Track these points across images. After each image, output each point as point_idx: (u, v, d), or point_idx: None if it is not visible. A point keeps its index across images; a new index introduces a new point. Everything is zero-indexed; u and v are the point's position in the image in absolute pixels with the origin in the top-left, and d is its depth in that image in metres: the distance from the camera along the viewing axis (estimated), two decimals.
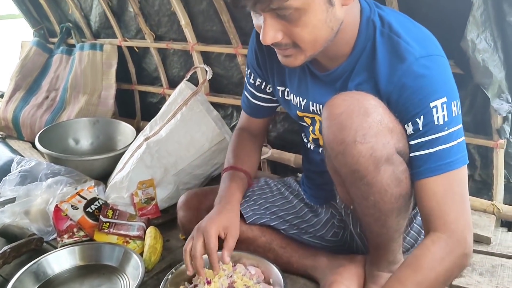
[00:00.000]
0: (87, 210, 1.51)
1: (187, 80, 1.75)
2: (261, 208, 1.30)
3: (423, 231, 1.15)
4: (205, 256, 1.21)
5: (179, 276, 1.17)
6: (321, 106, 1.11)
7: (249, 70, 1.29)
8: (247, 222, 1.26)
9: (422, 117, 0.91)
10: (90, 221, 1.49)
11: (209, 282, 1.11)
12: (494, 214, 1.48)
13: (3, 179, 1.64)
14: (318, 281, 1.22)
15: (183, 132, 1.63)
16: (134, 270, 1.25)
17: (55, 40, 2.61)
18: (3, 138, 2.19)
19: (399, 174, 0.94)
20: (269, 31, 0.89)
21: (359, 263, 1.18)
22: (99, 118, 2.27)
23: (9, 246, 1.34)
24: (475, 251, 1.36)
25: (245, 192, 1.31)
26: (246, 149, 1.32)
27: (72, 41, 2.54)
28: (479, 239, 1.40)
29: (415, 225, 1.17)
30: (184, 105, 1.66)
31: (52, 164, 1.77)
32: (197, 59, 2.03)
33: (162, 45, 2.15)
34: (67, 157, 1.89)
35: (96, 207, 1.54)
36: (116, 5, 2.25)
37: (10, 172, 1.71)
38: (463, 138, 0.94)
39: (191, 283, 1.17)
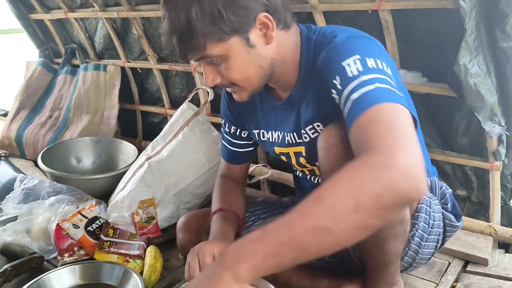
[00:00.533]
0: (88, 229, 1.52)
1: (189, 101, 1.78)
2: (253, 224, 1.32)
3: (420, 250, 1.16)
4: None
5: None
6: (293, 134, 1.16)
7: (223, 120, 1.36)
8: None
9: (338, 77, 0.91)
10: (91, 240, 1.50)
11: None
12: (491, 236, 1.49)
13: (7, 196, 1.65)
14: None
15: (184, 152, 1.66)
16: None
17: (59, 60, 2.65)
18: (6, 157, 2.21)
19: None
20: (208, 75, 1.02)
21: (357, 284, 1.18)
22: (102, 137, 2.29)
23: (10, 264, 1.35)
24: (472, 273, 1.37)
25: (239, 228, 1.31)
26: (232, 193, 1.34)
27: (76, 61, 2.58)
28: (477, 261, 1.41)
29: (412, 245, 1.18)
30: (185, 125, 1.69)
31: (55, 182, 1.79)
32: (199, 80, 2.07)
33: (165, 66, 2.19)
34: (69, 175, 1.91)
35: (97, 226, 1.55)
36: (120, 27, 2.30)
37: (13, 190, 1.72)
38: (388, 86, 0.85)
39: None
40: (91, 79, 2.39)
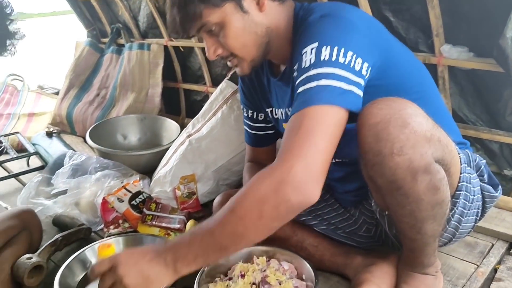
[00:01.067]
0: (132, 203, 1.60)
1: (228, 79, 1.80)
2: None
3: (460, 226, 1.13)
4: (244, 249, 1.26)
5: (215, 269, 1.21)
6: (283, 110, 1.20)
7: (242, 106, 1.41)
8: None
9: (297, 64, 0.95)
10: (134, 213, 1.57)
11: (243, 276, 1.15)
12: None
13: (57, 171, 1.75)
14: (350, 279, 1.22)
15: (223, 130, 1.68)
16: None
17: (106, 40, 2.73)
18: (58, 133, 2.32)
19: (436, 183, 0.93)
20: (209, 47, 1.06)
21: (392, 261, 1.18)
22: (146, 115, 2.36)
23: (60, 234, 1.43)
24: None
25: None
26: None
27: (121, 41, 2.65)
28: None
29: (452, 222, 1.13)
30: (224, 103, 1.71)
31: (101, 158, 1.87)
32: None
33: None
34: (115, 152, 1.98)
35: (140, 200, 1.62)
36: (162, 6, 2.32)
37: (63, 165, 1.82)
38: (332, 82, 0.88)
39: (226, 275, 1.21)
40: (136, 58, 2.45)
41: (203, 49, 2.24)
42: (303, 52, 0.93)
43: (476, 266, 1.28)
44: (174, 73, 2.51)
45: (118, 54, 2.59)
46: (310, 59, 0.91)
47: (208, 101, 1.81)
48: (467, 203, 1.08)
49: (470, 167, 1.12)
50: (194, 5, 0.99)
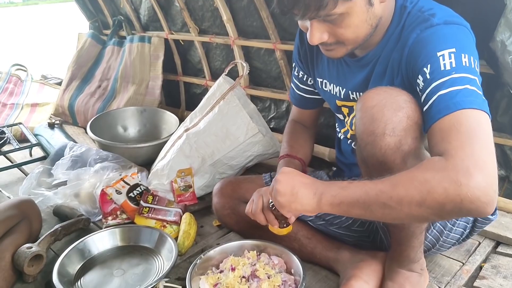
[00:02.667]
0: (129, 195, 1.64)
1: (226, 75, 1.82)
2: None
3: (445, 231, 1.17)
4: (233, 243, 1.30)
5: (207, 262, 1.26)
6: (359, 94, 1.17)
7: (294, 63, 1.38)
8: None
9: (429, 65, 0.92)
10: (132, 205, 1.62)
11: (233, 269, 1.20)
12: None
13: (56, 162, 1.79)
14: (339, 274, 1.26)
15: (220, 125, 1.71)
16: (169, 253, 1.35)
17: (108, 32, 2.77)
18: (60, 124, 2.35)
19: None
20: (316, 33, 0.99)
21: (380, 259, 1.21)
22: (146, 107, 2.40)
23: (60, 224, 1.48)
24: (502, 254, 1.36)
25: None
26: (299, 139, 1.40)
27: (123, 33, 2.68)
28: (509, 242, 1.39)
29: (437, 224, 1.19)
30: (221, 99, 1.74)
31: (101, 150, 1.91)
32: (237, 53, 2.10)
33: (206, 38, 2.24)
34: (115, 144, 2.02)
35: (138, 192, 1.66)
36: (163, 0, 2.35)
37: (64, 156, 1.86)
38: (476, 89, 0.87)
39: (218, 268, 1.26)
40: (137, 50, 2.48)
41: (203, 43, 2.30)
42: (439, 55, 0.90)
43: (462, 264, 1.32)
44: (174, 66, 2.54)
45: (120, 46, 2.62)
46: (451, 62, 0.89)
47: (206, 96, 1.84)
48: None
49: None
50: None
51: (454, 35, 0.94)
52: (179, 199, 1.70)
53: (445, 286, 1.23)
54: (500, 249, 1.38)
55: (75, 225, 1.52)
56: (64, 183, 1.71)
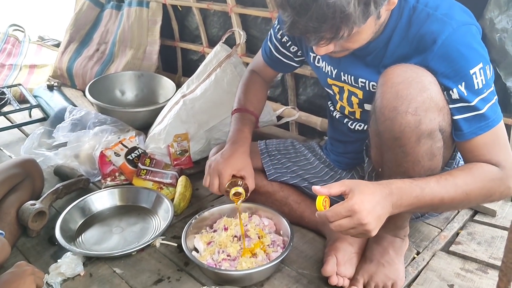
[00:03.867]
0: (128, 157, 1.70)
1: (223, 42, 1.85)
2: (283, 167, 1.43)
3: None
4: (226, 206, 1.38)
5: (202, 221, 1.34)
6: (351, 77, 1.19)
7: (278, 26, 1.34)
8: (268, 179, 1.40)
9: (463, 83, 0.98)
10: (130, 167, 1.68)
11: (226, 229, 1.28)
12: None
13: (57, 126, 1.84)
14: (326, 236, 1.34)
15: (216, 92, 1.76)
16: (165, 213, 1.43)
17: None
18: (58, 86, 2.39)
19: (435, 150, 1.02)
20: (321, 48, 0.98)
21: None
22: (144, 72, 2.43)
23: (61, 184, 1.55)
24: (478, 222, 1.44)
25: (271, 150, 1.46)
26: (255, 91, 1.43)
27: None
28: (485, 212, 1.47)
29: None
30: (218, 66, 1.78)
31: (100, 113, 1.96)
32: (235, 20, 2.11)
33: (203, 5, 2.24)
34: (113, 108, 2.06)
35: (136, 155, 1.72)
36: None
37: (63, 118, 1.91)
38: (496, 96, 1.01)
39: (211, 228, 1.34)
40: (135, 14, 2.48)
41: (201, 9, 2.31)
42: (471, 73, 0.97)
43: (440, 230, 1.40)
44: (172, 31, 2.55)
45: (118, 10, 2.62)
46: (482, 80, 0.97)
47: (203, 63, 1.88)
48: None
49: None
50: (347, 27, 0.90)
51: (477, 44, 0.99)
52: (175, 162, 1.77)
53: (423, 250, 1.32)
54: (477, 217, 1.46)
55: (76, 185, 1.59)
56: (64, 144, 1.77)
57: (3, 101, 2.11)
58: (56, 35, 3.30)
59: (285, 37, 1.34)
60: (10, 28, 2.71)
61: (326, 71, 1.26)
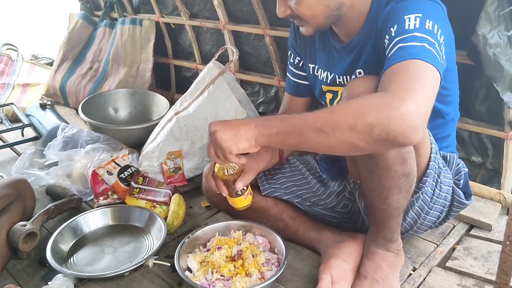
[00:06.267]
0: (120, 176, 1.68)
1: (216, 59, 1.86)
2: (277, 182, 1.42)
3: (422, 214, 1.23)
4: (220, 224, 1.36)
5: (195, 241, 1.32)
6: (346, 77, 1.22)
7: (289, 50, 1.42)
8: (262, 194, 1.39)
9: (395, 26, 0.98)
10: (123, 186, 1.66)
11: (219, 248, 1.26)
12: (500, 203, 1.53)
13: (48, 143, 1.82)
14: (320, 253, 1.32)
15: (209, 109, 1.76)
16: (158, 232, 1.41)
17: (99, 13, 2.76)
18: (51, 105, 2.38)
19: (404, 155, 1.03)
20: (280, 7, 1.12)
21: (359, 240, 1.28)
22: (137, 89, 2.43)
23: (53, 203, 1.52)
24: (474, 236, 1.43)
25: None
26: None
27: (115, 15, 2.68)
28: (481, 226, 1.46)
29: (416, 207, 1.22)
30: (211, 83, 1.78)
31: (92, 131, 1.95)
32: (228, 37, 2.13)
33: (196, 22, 2.26)
34: (106, 126, 2.05)
35: (129, 173, 1.71)
36: None
37: (56, 137, 1.89)
38: (433, 50, 0.92)
39: (205, 247, 1.32)
40: (128, 33, 2.49)
41: (194, 27, 2.32)
42: (405, 17, 0.96)
43: (436, 246, 1.39)
44: (165, 49, 2.56)
45: (111, 28, 2.63)
46: (415, 24, 0.95)
47: (196, 80, 1.88)
48: (434, 196, 1.18)
49: (450, 169, 1.23)
50: None
51: (424, 6, 1.00)
52: (168, 180, 1.75)
53: (419, 266, 1.30)
54: (473, 232, 1.46)
55: (68, 204, 1.57)
56: (56, 163, 1.75)
57: None
58: (49, 53, 3.31)
59: (297, 57, 1.40)
60: (3, 47, 2.71)
61: (321, 78, 1.29)
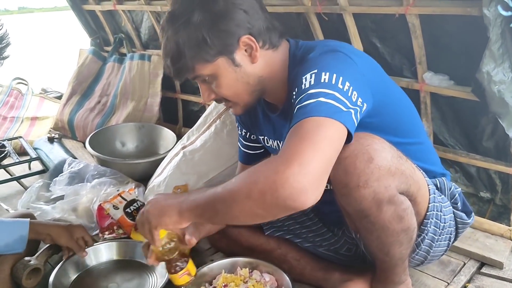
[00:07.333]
0: (126, 210, 1.67)
1: None
2: (278, 222, 1.41)
3: (431, 250, 1.21)
4: (226, 260, 1.34)
5: (201, 278, 1.30)
6: (280, 142, 1.24)
7: (237, 123, 1.45)
8: (266, 233, 1.38)
9: (296, 89, 0.98)
10: (129, 220, 1.65)
11: (226, 286, 1.24)
12: (511, 240, 1.50)
13: (54, 179, 1.83)
14: None
15: (215, 144, 1.76)
16: (162, 269, 1.38)
17: (109, 48, 2.83)
18: (59, 138, 2.40)
19: (401, 212, 1.02)
20: (203, 93, 1.13)
21: (367, 279, 1.25)
22: (144, 123, 2.45)
23: None
24: (485, 275, 1.40)
25: None
26: None
27: (124, 50, 2.74)
28: (492, 263, 1.43)
29: (423, 246, 1.20)
30: (218, 118, 1.79)
31: (99, 165, 1.96)
32: None
33: None
34: (113, 159, 2.06)
35: (135, 208, 1.70)
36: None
37: (63, 171, 1.90)
38: (332, 101, 0.90)
39: (211, 284, 1.29)
40: (137, 68, 2.54)
41: None
42: (303, 78, 0.96)
43: (447, 284, 1.36)
44: (173, 83, 2.59)
45: (120, 63, 2.68)
46: (310, 81, 0.94)
47: (203, 115, 1.89)
48: (438, 229, 1.17)
49: (445, 195, 1.21)
50: (185, 61, 1.04)
51: (321, 61, 1.00)
52: None
53: None
54: (484, 270, 1.43)
55: None
56: (62, 197, 1.75)
57: (3, 154, 2.11)
58: (59, 87, 3.37)
59: (243, 129, 1.41)
60: (13, 81, 2.77)
61: (274, 147, 1.30)
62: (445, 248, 1.25)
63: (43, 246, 1.45)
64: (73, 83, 2.68)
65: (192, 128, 1.91)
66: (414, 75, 1.61)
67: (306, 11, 1.70)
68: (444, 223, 1.18)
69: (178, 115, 2.64)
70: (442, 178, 1.24)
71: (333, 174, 0.97)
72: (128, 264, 1.47)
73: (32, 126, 2.66)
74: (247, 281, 1.26)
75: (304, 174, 0.81)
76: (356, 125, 0.93)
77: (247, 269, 1.31)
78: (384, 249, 1.08)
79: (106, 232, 1.64)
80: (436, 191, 1.18)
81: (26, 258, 1.34)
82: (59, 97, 3.01)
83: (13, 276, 1.31)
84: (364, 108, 0.97)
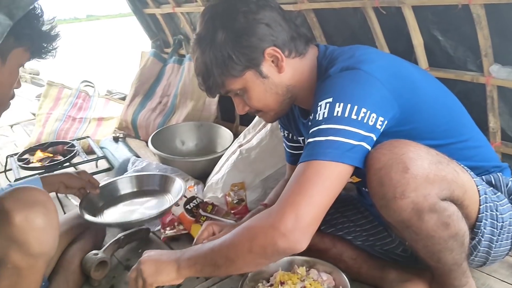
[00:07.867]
0: (186, 207, 1.72)
1: None
2: (333, 220, 1.40)
3: (491, 251, 1.14)
4: (283, 258, 1.34)
5: (259, 274, 1.31)
6: None
7: (279, 126, 1.47)
8: (321, 228, 1.36)
9: (312, 114, 1.00)
10: (188, 217, 1.70)
11: (282, 283, 1.24)
12: None
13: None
14: None
15: (271, 142, 1.78)
16: (177, 192, 1.52)
17: (169, 50, 2.91)
18: (123, 138, 2.51)
19: (445, 219, 0.98)
20: (237, 106, 1.17)
21: (426, 279, 1.21)
22: (203, 122, 2.51)
23: (123, 233, 1.59)
24: None
25: None
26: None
27: (183, 51, 2.82)
28: None
29: (481, 248, 1.12)
30: None
31: (160, 164, 2.03)
32: None
33: None
34: (174, 158, 2.13)
35: (194, 204, 1.74)
36: None
37: (127, 169, 1.99)
38: (342, 138, 0.93)
39: (268, 281, 1.30)
40: None
41: None
42: (319, 105, 0.98)
43: None
44: None
45: (179, 64, 2.76)
46: (324, 113, 0.96)
47: None
48: (495, 230, 1.10)
49: (501, 192, 1.14)
50: (215, 78, 1.08)
51: (339, 84, 0.99)
52: (232, 211, 1.77)
53: None
54: None
55: (136, 235, 1.63)
56: None
57: (73, 153, 2.24)
58: (122, 89, 3.53)
59: (285, 131, 1.44)
60: (81, 84, 2.92)
61: None
62: (509, 246, 1.17)
63: (109, 240, 1.53)
64: (136, 85, 2.79)
65: (248, 127, 1.93)
66: (479, 69, 1.52)
67: (363, 6, 1.66)
68: (503, 222, 1.11)
69: (235, 113, 2.68)
70: (498, 173, 1.17)
71: (369, 186, 0.98)
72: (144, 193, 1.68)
73: (98, 126, 2.80)
74: (304, 280, 1.26)
75: (299, 228, 0.91)
76: (371, 148, 0.96)
77: (304, 267, 1.30)
78: (433, 257, 1.04)
79: (168, 228, 1.69)
80: (490, 189, 1.12)
81: (94, 251, 1.42)
82: (123, 98, 3.15)
83: (82, 268, 1.39)
84: (384, 126, 0.99)
